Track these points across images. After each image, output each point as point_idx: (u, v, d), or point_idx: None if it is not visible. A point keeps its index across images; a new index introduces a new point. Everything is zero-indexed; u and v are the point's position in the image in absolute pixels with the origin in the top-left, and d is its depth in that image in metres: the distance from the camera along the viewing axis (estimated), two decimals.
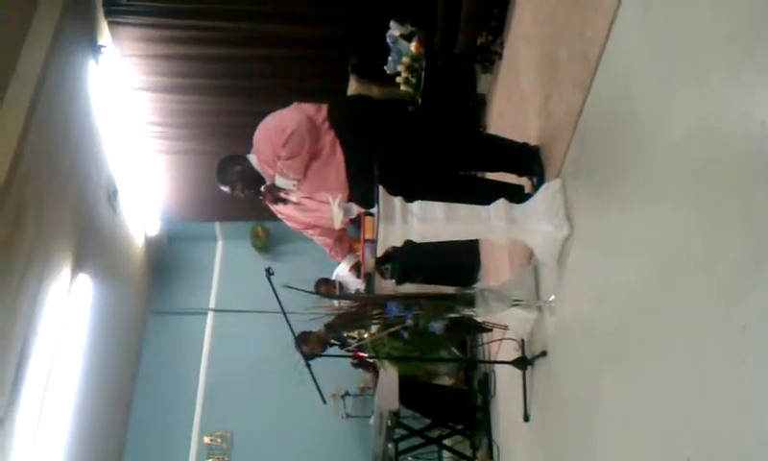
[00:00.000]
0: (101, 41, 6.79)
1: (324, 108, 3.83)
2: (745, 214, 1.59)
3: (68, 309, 6.43)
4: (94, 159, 7.04)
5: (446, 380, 6.59)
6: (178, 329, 9.17)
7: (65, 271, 6.36)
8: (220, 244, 9.85)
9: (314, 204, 3.93)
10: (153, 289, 9.33)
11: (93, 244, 7.05)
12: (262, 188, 3.90)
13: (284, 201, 3.94)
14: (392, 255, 4.21)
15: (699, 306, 1.79)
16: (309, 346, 4.51)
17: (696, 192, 1.85)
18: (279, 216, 4.18)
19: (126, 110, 7.51)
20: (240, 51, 7.19)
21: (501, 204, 3.20)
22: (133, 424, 8.62)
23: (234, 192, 3.98)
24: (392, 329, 3.54)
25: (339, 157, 3.74)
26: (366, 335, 4.36)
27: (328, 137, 3.75)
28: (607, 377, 2.54)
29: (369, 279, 4.93)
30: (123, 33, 6.93)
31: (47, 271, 5.98)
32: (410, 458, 6.60)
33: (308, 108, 3.83)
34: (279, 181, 3.82)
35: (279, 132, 3.72)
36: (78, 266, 6.59)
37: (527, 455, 4.01)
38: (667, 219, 2.04)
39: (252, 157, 3.88)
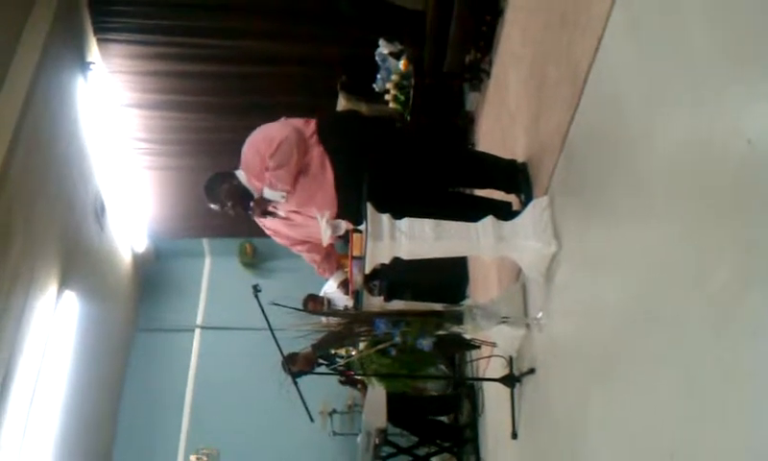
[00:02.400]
0: (89, 58, 6.80)
1: (313, 122, 3.83)
2: (733, 231, 1.60)
3: (54, 326, 6.37)
4: (82, 176, 7.02)
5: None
6: (164, 346, 9.13)
7: (52, 288, 6.32)
8: (207, 260, 9.83)
9: (302, 218, 3.91)
10: (140, 306, 9.30)
11: (80, 261, 7.01)
12: (251, 203, 3.88)
13: (272, 214, 3.92)
14: (380, 272, 4.21)
15: (688, 323, 1.79)
16: (297, 366, 4.49)
17: (684, 208, 1.86)
18: (267, 232, 4.16)
19: (114, 127, 7.50)
20: (229, 68, 7.21)
21: (489, 221, 3.20)
22: (119, 441, 8.56)
23: (224, 210, 3.95)
24: (380, 346, 3.53)
25: (328, 172, 3.74)
26: (354, 352, 4.35)
27: (317, 151, 3.75)
28: (595, 395, 2.53)
29: (357, 295, 4.93)
30: (112, 49, 6.95)
31: (33, 287, 5.94)
32: None
33: (296, 121, 3.82)
34: (268, 193, 3.80)
35: (268, 142, 3.72)
36: (64, 283, 6.54)
37: None
38: (655, 235, 2.05)
39: (241, 173, 3.87)
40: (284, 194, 3.78)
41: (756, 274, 1.47)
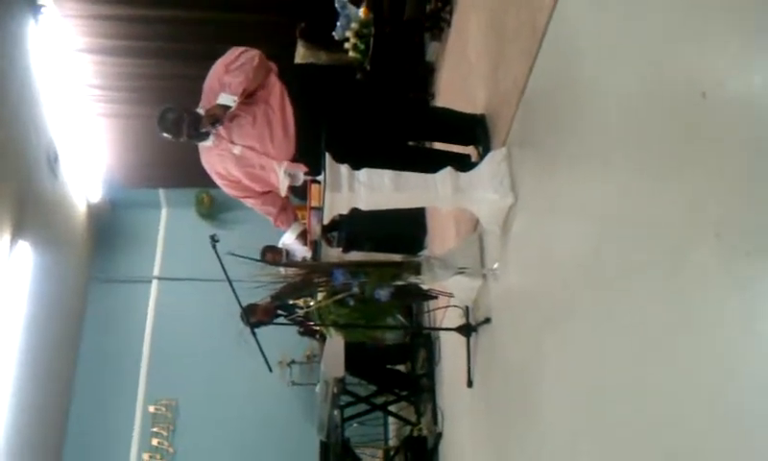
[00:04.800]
0: (40, 1, 6.57)
1: (275, 65, 3.78)
2: (685, 182, 1.62)
3: (7, 277, 6.27)
4: (34, 123, 6.85)
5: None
6: (121, 298, 9.06)
7: (4, 237, 6.20)
8: (164, 211, 9.73)
9: (256, 157, 3.76)
10: (95, 257, 9.19)
11: (33, 210, 6.88)
12: (203, 115, 3.68)
13: (221, 122, 3.67)
14: (339, 223, 4.20)
15: (641, 272, 1.83)
16: (255, 316, 4.48)
17: (638, 160, 1.88)
18: (219, 183, 4.04)
19: (67, 73, 7.31)
20: (186, 13, 7.05)
21: (447, 172, 3.21)
22: (77, 393, 8.52)
23: (178, 137, 3.74)
24: (338, 297, 3.54)
25: (288, 114, 3.66)
26: (312, 303, 4.36)
27: (279, 87, 3.68)
28: (549, 343, 2.58)
29: (315, 246, 4.91)
30: None
31: None
32: (355, 424, 6.65)
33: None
34: (222, 99, 3.61)
35: (230, 52, 3.65)
36: (17, 233, 6.42)
37: (471, 421, 4.07)
38: (610, 187, 2.07)
39: (201, 110, 3.71)
40: (236, 99, 3.59)
41: (705, 225, 1.50)
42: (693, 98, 1.57)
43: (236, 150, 3.75)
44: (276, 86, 3.69)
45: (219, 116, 3.63)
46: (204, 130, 3.70)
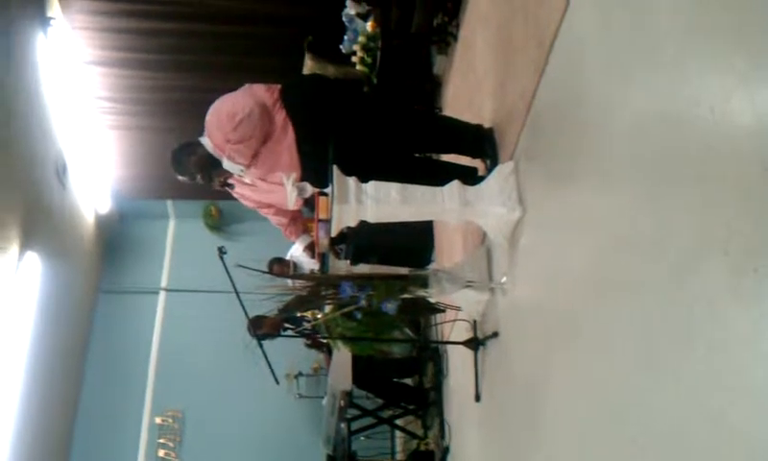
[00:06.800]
0: (50, 13, 6.61)
1: (277, 88, 3.79)
2: (693, 198, 1.62)
3: (15, 288, 6.29)
4: (43, 134, 6.88)
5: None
6: (129, 309, 9.07)
7: (13, 248, 6.21)
8: (172, 222, 9.74)
9: (267, 185, 3.90)
10: (103, 268, 9.20)
11: (42, 221, 6.91)
12: (213, 174, 3.87)
13: (231, 186, 3.93)
14: (346, 236, 4.21)
15: (648, 289, 1.82)
16: (263, 329, 4.49)
17: (646, 176, 1.88)
18: (235, 195, 4.15)
19: (76, 85, 7.34)
20: (194, 26, 7.07)
21: (455, 185, 3.21)
22: (84, 403, 8.52)
23: (194, 181, 3.93)
24: (345, 310, 3.54)
25: (290, 136, 3.71)
26: (319, 316, 4.36)
27: (280, 117, 3.72)
28: (557, 358, 2.57)
29: (323, 259, 4.92)
30: (73, 4, 6.75)
31: None
32: (362, 438, 6.62)
33: (259, 89, 3.77)
34: (227, 165, 3.77)
35: (230, 117, 3.67)
36: (26, 243, 6.44)
37: (478, 435, 4.06)
38: (618, 202, 2.07)
39: (206, 140, 3.82)
40: (243, 168, 3.77)
41: (712, 242, 1.49)
42: (702, 114, 1.57)
43: (248, 180, 3.94)
44: (277, 122, 3.73)
45: (227, 179, 3.92)
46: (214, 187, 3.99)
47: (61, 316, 7.66)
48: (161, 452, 8.53)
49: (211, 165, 3.84)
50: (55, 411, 7.72)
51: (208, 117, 3.81)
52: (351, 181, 3.18)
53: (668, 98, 1.77)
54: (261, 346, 3.83)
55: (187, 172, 3.90)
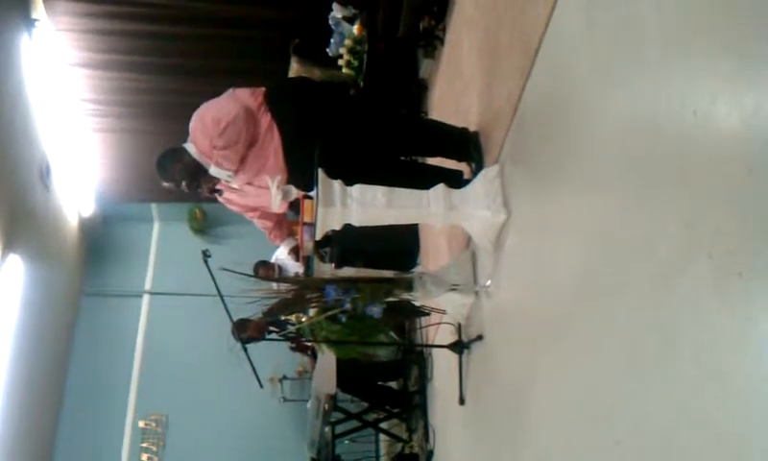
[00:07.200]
0: (35, 15, 6.57)
1: (261, 92, 3.76)
2: (677, 201, 1.62)
3: None
4: (26, 136, 6.83)
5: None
6: (113, 312, 9.03)
7: None
8: (156, 225, 9.71)
9: (255, 189, 3.88)
10: (87, 271, 9.15)
11: (25, 224, 6.86)
12: (201, 180, 3.83)
13: (219, 191, 3.90)
14: (331, 239, 4.21)
15: (632, 293, 1.83)
16: (247, 332, 4.48)
17: (631, 180, 1.88)
18: (220, 200, 4.12)
19: (60, 87, 7.30)
20: (179, 29, 7.05)
21: (440, 189, 3.21)
22: (67, 407, 8.47)
23: (179, 188, 3.89)
24: (330, 313, 3.53)
25: (276, 139, 3.69)
26: (304, 319, 4.35)
27: (266, 120, 3.70)
28: (541, 361, 2.57)
29: (308, 262, 4.91)
30: (58, 6, 6.72)
31: None
32: (347, 441, 6.61)
33: (243, 94, 3.74)
34: (214, 172, 3.73)
35: (216, 123, 3.65)
36: (8, 246, 6.39)
37: (462, 438, 4.06)
38: (603, 206, 2.07)
39: (191, 147, 3.79)
40: (231, 173, 3.73)
41: (698, 245, 1.50)
42: (686, 117, 1.58)
43: (235, 185, 3.91)
44: (262, 126, 3.71)
45: (214, 186, 3.87)
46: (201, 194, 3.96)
47: (44, 319, 7.60)
48: (144, 457, 8.49)
49: (198, 172, 3.80)
50: (38, 414, 7.66)
51: (192, 123, 3.78)
52: (337, 184, 3.17)
53: (653, 101, 1.78)
54: (245, 349, 3.82)
55: (173, 179, 3.85)
